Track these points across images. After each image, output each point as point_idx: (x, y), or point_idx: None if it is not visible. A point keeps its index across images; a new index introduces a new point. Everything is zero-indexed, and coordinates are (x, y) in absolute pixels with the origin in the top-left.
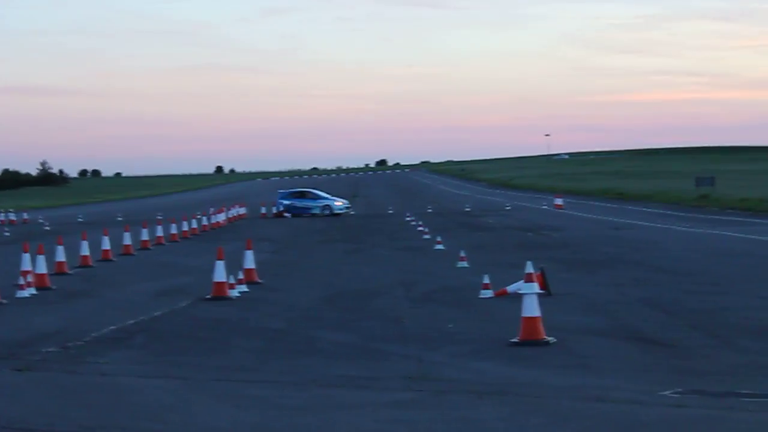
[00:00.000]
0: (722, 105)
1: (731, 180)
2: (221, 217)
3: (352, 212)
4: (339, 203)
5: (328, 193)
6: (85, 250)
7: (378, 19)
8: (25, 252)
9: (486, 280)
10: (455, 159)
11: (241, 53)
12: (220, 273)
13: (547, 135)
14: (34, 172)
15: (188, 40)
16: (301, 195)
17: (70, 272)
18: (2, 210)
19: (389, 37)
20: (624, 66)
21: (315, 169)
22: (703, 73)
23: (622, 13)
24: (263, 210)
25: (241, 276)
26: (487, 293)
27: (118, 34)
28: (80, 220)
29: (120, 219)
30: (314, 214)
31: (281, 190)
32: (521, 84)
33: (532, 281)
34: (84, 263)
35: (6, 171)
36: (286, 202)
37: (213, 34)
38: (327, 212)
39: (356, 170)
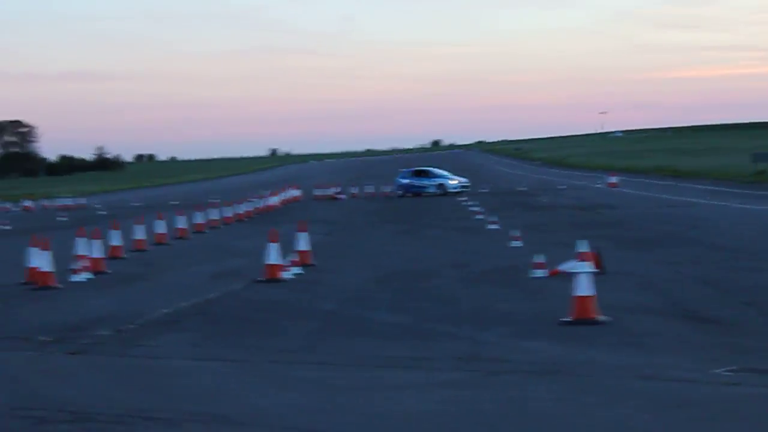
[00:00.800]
0: None
1: None
2: (275, 200)
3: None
4: (454, 182)
5: (447, 171)
6: (140, 233)
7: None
8: (81, 237)
9: (539, 259)
10: (510, 138)
11: (293, 35)
12: (273, 255)
13: (602, 113)
14: (90, 158)
15: (241, 23)
16: (420, 174)
17: (125, 256)
18: (59, 195)
19: (441, 16)
20: (678, 42)
21: (369, 150)
22: (758, 47)
23: None
24: (317, 192)
25: (294, 258)
26: (541, 272)
27: (171, 18)
28: (135, 204)
29: (175, 203)
30: (430, 193)
31: (403, 170)
32: (575, 62)
33: (585, 260)
34: (139, 247)
35: (63, 157)
36: (405, 181)
37: (265, 17)
38: (440, 191)
39: (410, 151)
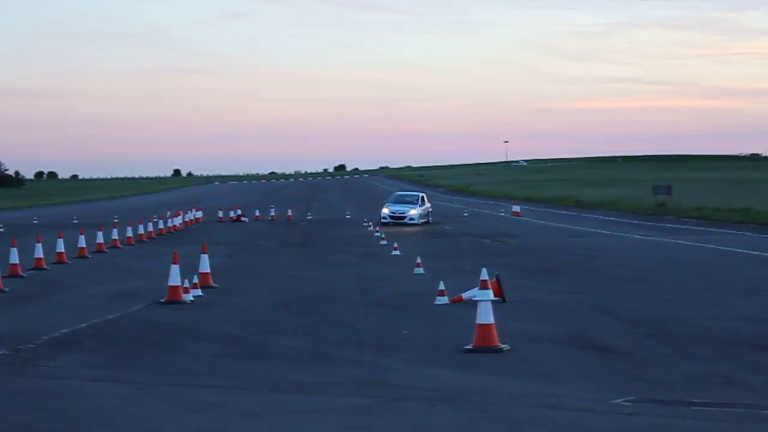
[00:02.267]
0: (680, 113)
1: (688, 188)
2: (178, 221)
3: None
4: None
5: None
6: (39, 252)
7: (335, 23)
8: None
9: (441, 286)
10: (414, 164)
11: (198, 56)
12: (174, 277)
13: (505, 142)
14: None
15: (145, 42)
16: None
17: (23, 275)
18: None
19: (346, 41)
20: (582, 73)
21: (273, 173)
22: (661, 81)
23: (579, 21)
24: (220, 214)
25: (196, 280)
26: (443, 300)
27: (75, 36)
28: (35, 222)
29: (75, 221)
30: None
31: (399, 192)
32: (479, 90)
33: (487, 288)
34: (37, 266)
35: None
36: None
37: (170, 37)
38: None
39: (315, 175)
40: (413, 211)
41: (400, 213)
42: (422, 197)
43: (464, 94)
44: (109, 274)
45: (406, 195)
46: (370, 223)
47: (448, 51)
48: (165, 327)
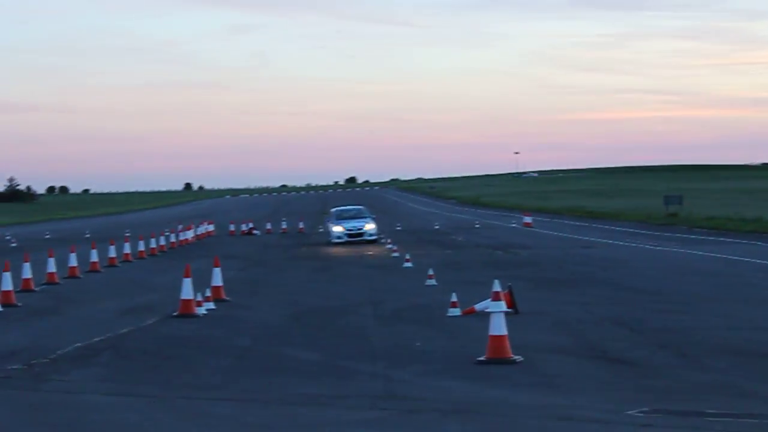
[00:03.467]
0: (689, 123)
1: (699, 198)
2: (189, 234)
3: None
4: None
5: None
6: (51, 267)
7: (344, 36)
8: None
9: (454, 298)
10: (425, 177)
11: (207, 70)
12: (187, 290)
13: (516, 153)
14: (1, 189)
15: (155, 57)
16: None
17: (36, 289)
18: None
19: (356, 54)
20: (591, 84)
21: (284, 186)
22: (670, 91)
23: (587, 32)
24: (232, 227)
25: (208, 293)
26: (455, 311)
27: (85, 51)
28: (47, 236)
29: (87, 236)
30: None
31: (338, 208)
32: (489, 102)
33: (499, 300)
34: (50, 280)
35: None
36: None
37: (179, 51)
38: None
39: (326, 187)
40: (370, 226)
41: (357, 229)
42: (365, 210)
43: (474, 106)
44: (122, 288)
45: (349, 209)
46: (381, 235)
47: (457, 63)
48: (178, 341)
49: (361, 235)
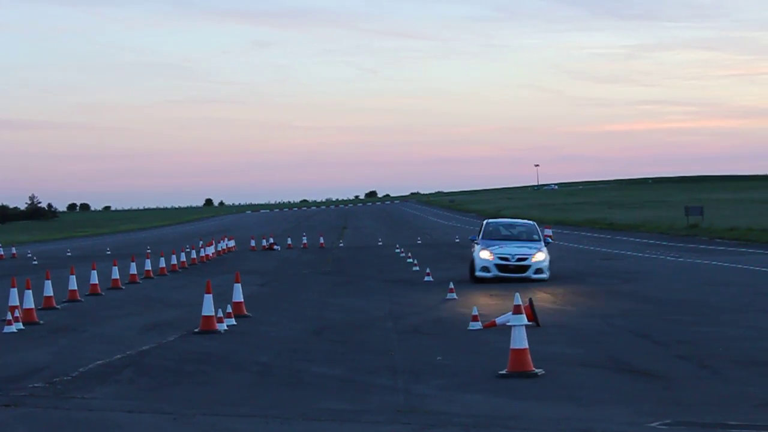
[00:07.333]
0: (709, 134)
1: (720, 209)
2: (210, 250)
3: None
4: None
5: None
6: (73, 284)
7: (363, 51)
8: (13, 287)
9: (475, 311)
10: (445, 190)
11: (227, 86)
12: (208, 306)
13: (536, 165)
14: (22, 206)
15: (175, 73)
16: None
17: (58, 307)
18: None
19: (374, 68)
20: (610, 96)
21: (305, 201)
22: (690, 102)
23: (607, 43)
24: (252, 243)
25: (229, 309)
26: (476, 325)
27: (105, 68)
28: (69, 254)
29: (109, 253)
30: None
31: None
32: (509, 115)
33: (520, 313)
34: (72, 297)
35: None
36: None
37: (199, 68)
38: None
39: (346, 202)
40: (539, 256)
41: (517, 258)
42: (535, 227)
43: (494, 119)
44: (143, 305)
45: (513, 223)
46: (402, 249)
47: (476, 76)
48: (199, 357)
49: (523, 269)
